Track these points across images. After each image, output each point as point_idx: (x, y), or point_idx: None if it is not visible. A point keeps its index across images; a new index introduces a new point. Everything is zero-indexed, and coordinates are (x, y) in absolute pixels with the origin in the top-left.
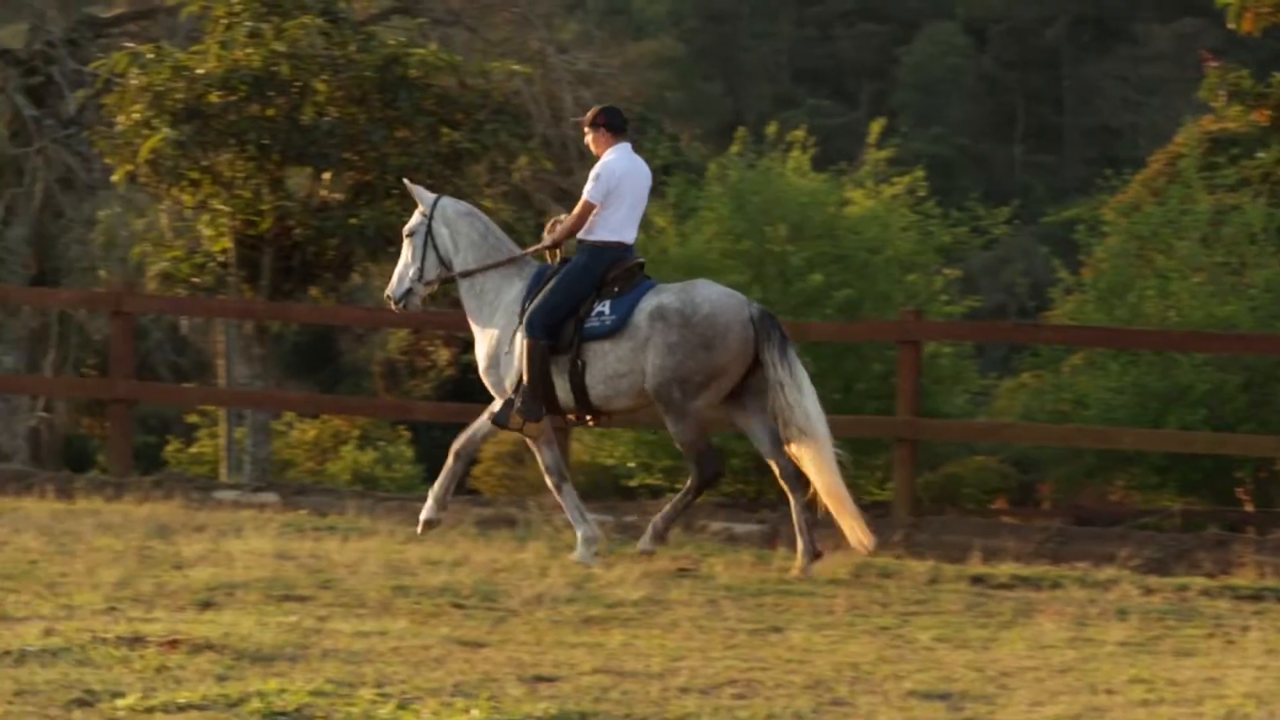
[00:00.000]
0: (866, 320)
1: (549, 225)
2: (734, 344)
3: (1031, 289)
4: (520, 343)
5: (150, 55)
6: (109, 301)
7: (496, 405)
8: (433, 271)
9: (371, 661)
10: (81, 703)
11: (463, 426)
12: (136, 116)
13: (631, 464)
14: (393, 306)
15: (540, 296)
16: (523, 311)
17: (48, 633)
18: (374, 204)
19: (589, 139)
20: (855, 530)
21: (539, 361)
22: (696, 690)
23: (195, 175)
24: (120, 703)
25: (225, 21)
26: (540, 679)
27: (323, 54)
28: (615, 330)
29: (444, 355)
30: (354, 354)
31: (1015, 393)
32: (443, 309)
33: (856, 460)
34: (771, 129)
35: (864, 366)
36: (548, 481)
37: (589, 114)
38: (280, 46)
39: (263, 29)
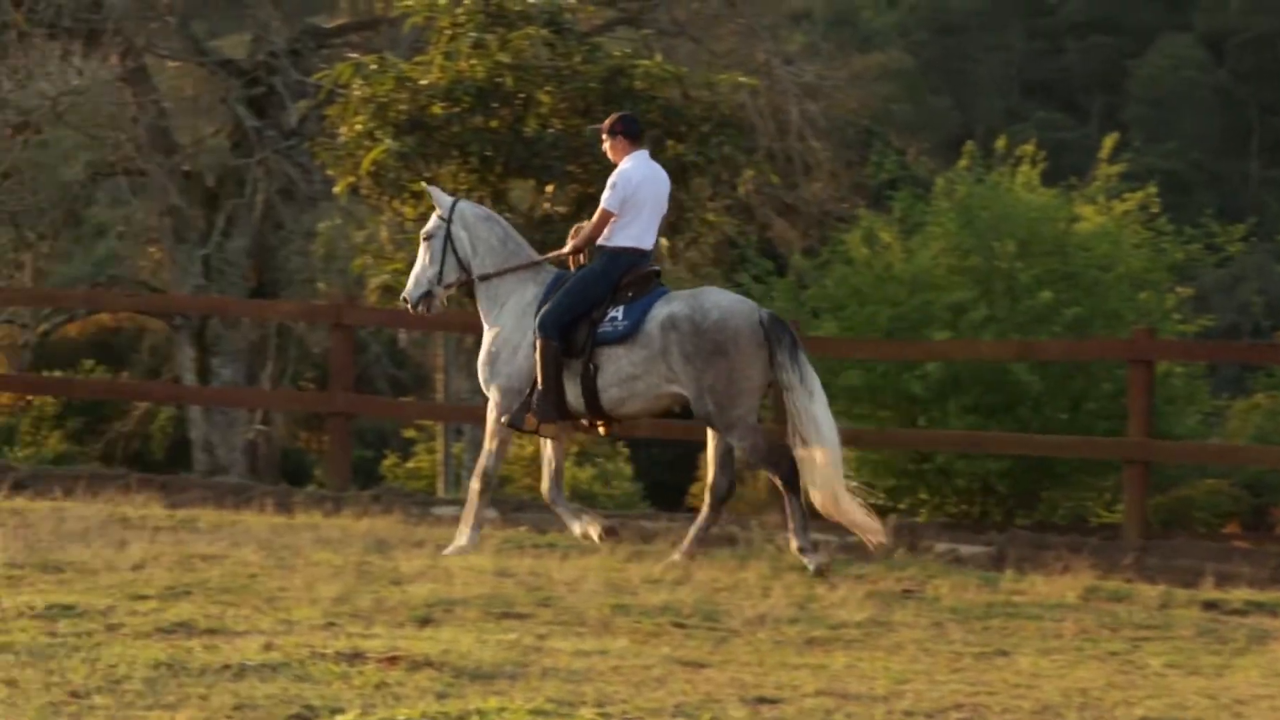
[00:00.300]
0: (1096, 338)
1: (572, 232)
2: (747, 348)
3: (1266, 307)
4: (533, 343)
5: (374, 66)
6: (329, 314)
7: (491, 416)
8: (452, 275)
9: (591, 680)
10: (300, 718)
11: (686, 443)
12: (359, 128)
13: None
14: (409, 309)
15: (555, 298)
16: (536, 315)
17: (267, 647)
18: None
19: (606, 146)
20: (863, 529)
21: (552, 362)
22: (921, 714)
23: (417, 187)
24: (339, 718)
25: (449, 32)
26: (763, 700)
27: (547, 65)
28: (628, 336)
29: None
30: None
31: (1248, 414)
32: None
33: (1081, 481)
34: (1000, 143)
35: (1093, 386)
36: (474, 482)
37: (606, 122)
38: (505, 58)
39: (487, 40)
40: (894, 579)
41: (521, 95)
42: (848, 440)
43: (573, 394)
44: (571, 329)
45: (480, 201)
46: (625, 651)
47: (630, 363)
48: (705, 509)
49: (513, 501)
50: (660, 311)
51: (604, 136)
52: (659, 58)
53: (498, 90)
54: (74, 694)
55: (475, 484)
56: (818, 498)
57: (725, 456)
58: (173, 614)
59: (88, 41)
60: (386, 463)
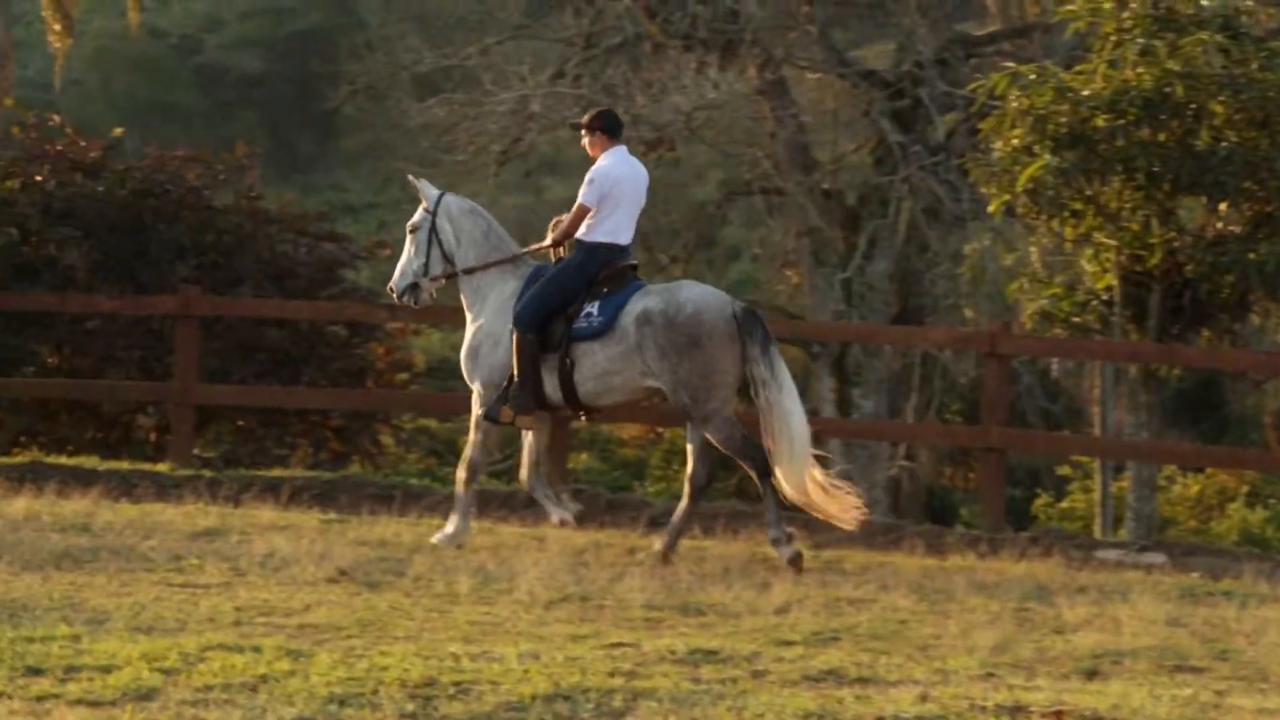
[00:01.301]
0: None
1: (551, 225)
2: (720, 341)
3: None
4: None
5: (1032, 76)
6: (983, 342)
7: (477, 408)
8: (437, 266)
9: None
10: None
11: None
12: (1015, 142)
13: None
14: (395, 299)
15: (531, 292)
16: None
17: (923, 698)
18: (1275, 237)
19: (585, 142)
20: (836, 512)
21: (529, 356)
22: None
23: (1078, 206)
24: None
25: (1114, 39)
26: None
27: (1221, 73)
28: (602, 332)
29: None
30: (1242, 402)
31: None
32: None
33: None
34: None
35: None
36: (460, 472)
37: (585, 117)
38: (1174, 65)
39: (1155, 46)
40: None
41: (1193, 106)
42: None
43: (550, 386)
44: (548, 324)
45: (1146, 221)
46: None
47: (606, 358)
48: (684, 500)
49: (1182, 545)
50: (635, 306)
51: (582, 133)
52: None
53: (1166, 100)
54: None
55: (461, 473)
56: (788, 489)
57: (703, 448)
58: (820, 661)
59: (724, 53)
60: (1039, 502)
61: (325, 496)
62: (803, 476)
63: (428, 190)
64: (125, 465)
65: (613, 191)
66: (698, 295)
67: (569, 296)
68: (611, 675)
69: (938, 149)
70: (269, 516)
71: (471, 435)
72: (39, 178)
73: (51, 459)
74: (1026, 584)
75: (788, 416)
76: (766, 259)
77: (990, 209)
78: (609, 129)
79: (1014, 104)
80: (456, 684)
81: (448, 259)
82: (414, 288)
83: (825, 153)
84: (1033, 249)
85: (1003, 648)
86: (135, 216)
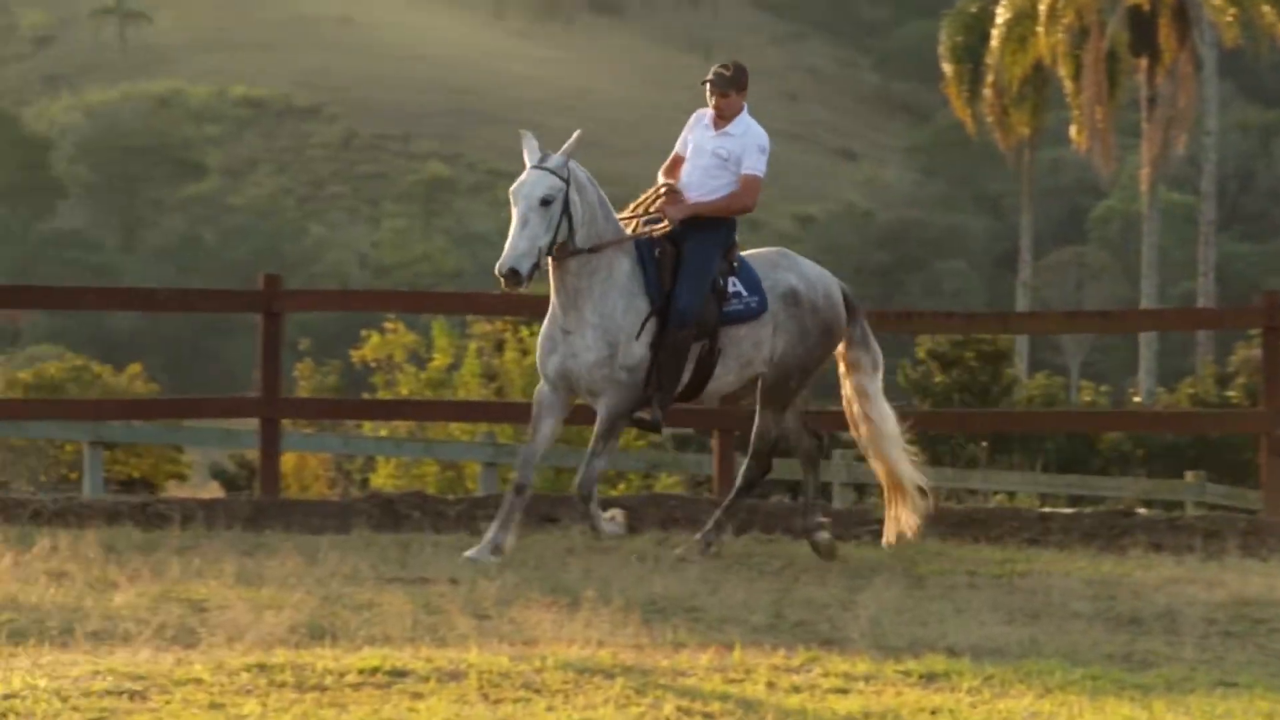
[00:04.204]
0: None
1: (660, 193)
2: (842, 326)
3: None
4: (646, 329)
5: None
6: None
7: (617, 411)
8: (550, 246)
9: None
10: None
11: None
12: None
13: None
14: (510, 287)
15: (684, 279)
16: (646, 294)
17: None
18: None
19: (727, 102)
20: (900, 518)
21: (685, 353)
22: None
23: None
24: None
25: None
26: None
27: None
28: (759, 313)
29: None
30: None
31: None
32: None
33: None
34: None
35: None
36: (583, 487)
37: (731, 70)
38: None
39: None
40: None
41: None
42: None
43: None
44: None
45: None
46: None
47: (753, 343)
48: (733, 492)
49: None
50: (776, 283)
51: (729, 92)
52: None
53: None
54: None
55: (593, 486)
56: (881, 470)
57: (761, 438)
58: None
59: None
60: None
61: None
62: (892, 464)
63: (548, 153)
64: None
65: None
66: (823, 274)
67: (712, 279)
68: None
69: None
70: None
71: (604, 442)
72: None
73: None
74: None
75: (880, 401)
76: None
77: None
78: (746, 85)
79: None
80: None
81: (571, 235)
82: (536, 269)
83: None
84: None
85: None
86: None
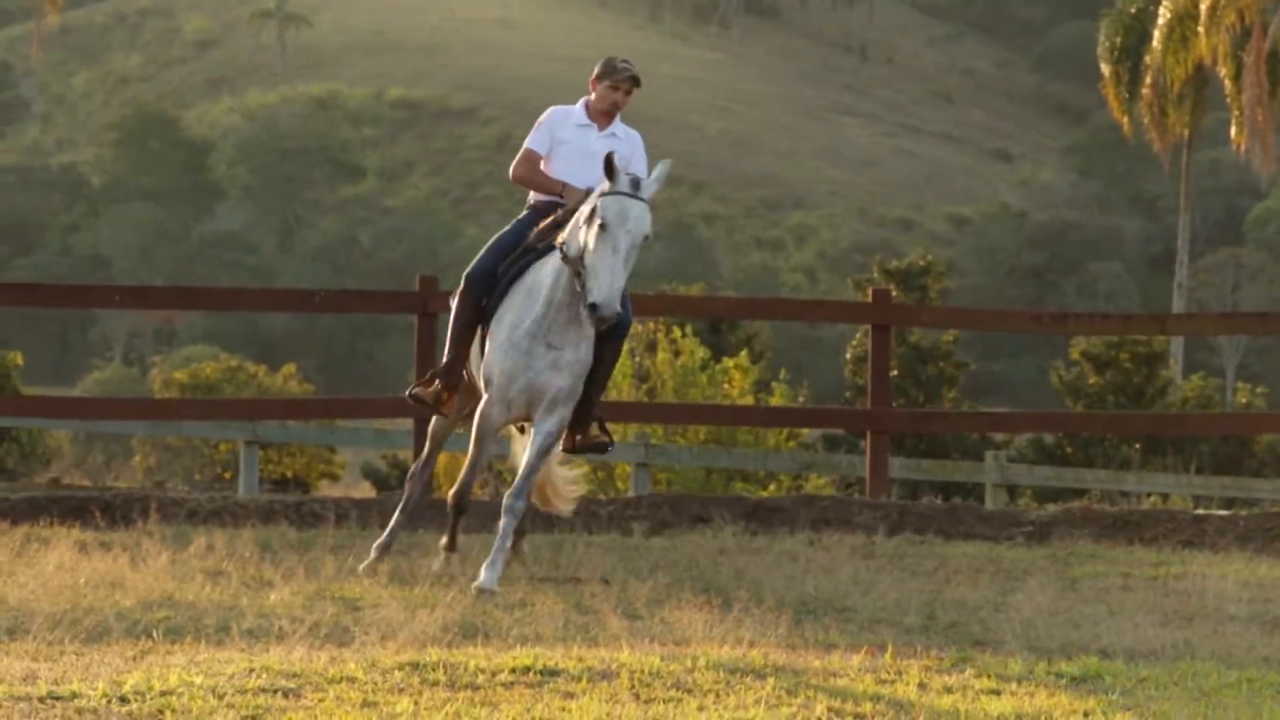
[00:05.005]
0: None
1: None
2: None
3: None
4: None
5: None
6: None
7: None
8: None
9: None
10: None
11: None
12: None
13: None
14: (602, 327)
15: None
16: None
17: None
18: None
19: (627, 100)
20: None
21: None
22: None
23: None
24: None
25: None
26: None
27: None
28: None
29: None
30: None
31: None
32: None
33: None
34: None
35: None
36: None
37: (634, 68)
38: None
39: None
40: None
41: None
42: None
43: None
44: None
45: None
46: None
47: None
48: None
49: None
50: None
51: (633, 92)
52: None
53: None
54: None
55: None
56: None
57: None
58: None
59: None
60: None
61: None
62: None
63: (645, 183)
64: None
65: None
66: None
67: None
68: None
69: None
70: None
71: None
72: None
73: None
74: None
75: None
76: None
77: None
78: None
79: None
80: None
81: None
82: None
83: None
84: None
85: None
86: None
